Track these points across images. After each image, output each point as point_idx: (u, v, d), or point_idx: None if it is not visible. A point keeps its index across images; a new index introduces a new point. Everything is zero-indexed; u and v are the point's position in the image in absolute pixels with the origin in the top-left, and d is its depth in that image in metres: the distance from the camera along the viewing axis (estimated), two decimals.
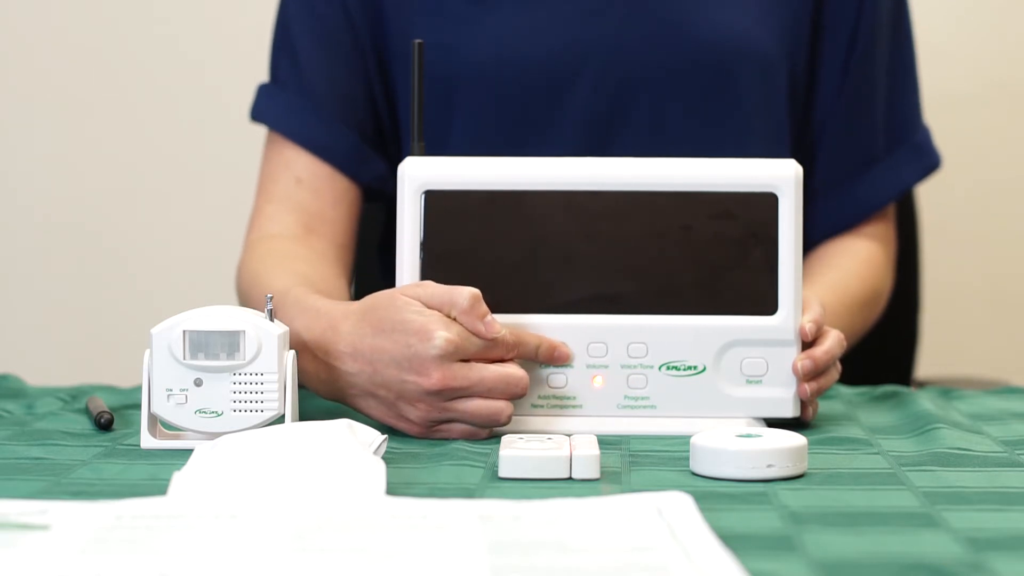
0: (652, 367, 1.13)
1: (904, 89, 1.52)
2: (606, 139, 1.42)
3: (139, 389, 1.25)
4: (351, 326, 1.11)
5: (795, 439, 0.99)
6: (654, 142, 1.41)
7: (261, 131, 1.51)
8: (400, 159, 1.46)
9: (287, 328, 1.10)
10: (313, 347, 1.13)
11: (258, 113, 1.47)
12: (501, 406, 1.09)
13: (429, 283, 1.11)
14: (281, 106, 1.46)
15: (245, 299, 1.37)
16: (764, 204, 1.13)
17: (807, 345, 1.14)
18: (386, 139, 1.48)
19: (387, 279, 1.16)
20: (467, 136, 1.43)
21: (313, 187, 1.43)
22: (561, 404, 1.13)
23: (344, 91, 1.45)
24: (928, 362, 1.96)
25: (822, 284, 1.38)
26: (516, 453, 0.98)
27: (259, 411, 1.06)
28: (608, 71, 1.41)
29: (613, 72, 1.41)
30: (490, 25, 1.42)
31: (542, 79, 1.42)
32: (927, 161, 1.52)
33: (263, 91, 1.48)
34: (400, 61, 1.45)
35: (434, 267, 1.13)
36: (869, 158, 1.49)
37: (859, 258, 1.47)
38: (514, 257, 1.13)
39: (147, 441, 1.07)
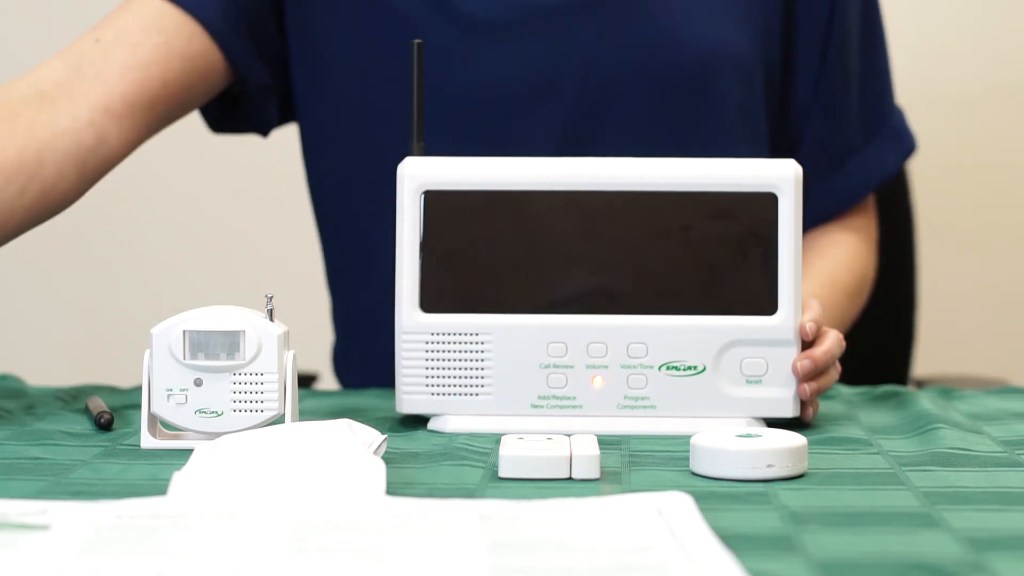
0: (652, 367, 1.13)
1: (877, 75, 1.53)
2: (586, 145, 1.41)
3: (139, 389, 1.25)
4: None
5: (795, 439, 0.99)
6: (634, 149, 1.41)
7: None
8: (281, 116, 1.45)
9: (287, 328, 1.10)
10: None
11: None
12: None
13: None
14: None
15: None
16: (764, 204, 1.13)
17: (807, 345, 1.14)
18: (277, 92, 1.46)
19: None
20: (445, 145, 1.42)
21: (161, 33, 1.35)
22: (561, 404, 1.13)
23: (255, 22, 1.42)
24: (926, 361, 1.97)
25: (812, 275, 1.41)
26: (516, 453, 0.98)
27: (259, 411, 1.07)
28: (587, 80, 1.41)
29: (592, 81, 1.41)
30: (468, 44, 1.41)
31: (521, 89, 1.41)
32: (905, 146, 1.55)
33: None
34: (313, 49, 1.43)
35: (434, 267, 1.13)
36: (847, 149, 1.51)
37: (847, 248, 1.50)
38: (514, 257, 1.13)
39: (147, 441, 1.07)
